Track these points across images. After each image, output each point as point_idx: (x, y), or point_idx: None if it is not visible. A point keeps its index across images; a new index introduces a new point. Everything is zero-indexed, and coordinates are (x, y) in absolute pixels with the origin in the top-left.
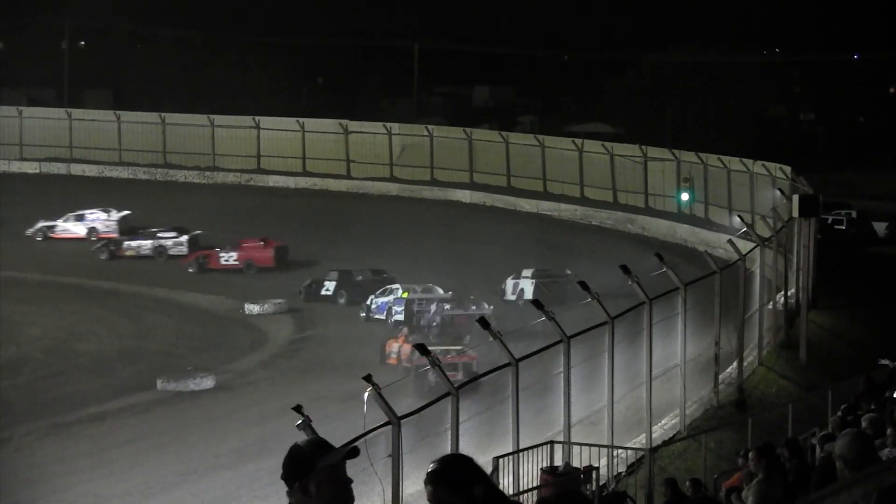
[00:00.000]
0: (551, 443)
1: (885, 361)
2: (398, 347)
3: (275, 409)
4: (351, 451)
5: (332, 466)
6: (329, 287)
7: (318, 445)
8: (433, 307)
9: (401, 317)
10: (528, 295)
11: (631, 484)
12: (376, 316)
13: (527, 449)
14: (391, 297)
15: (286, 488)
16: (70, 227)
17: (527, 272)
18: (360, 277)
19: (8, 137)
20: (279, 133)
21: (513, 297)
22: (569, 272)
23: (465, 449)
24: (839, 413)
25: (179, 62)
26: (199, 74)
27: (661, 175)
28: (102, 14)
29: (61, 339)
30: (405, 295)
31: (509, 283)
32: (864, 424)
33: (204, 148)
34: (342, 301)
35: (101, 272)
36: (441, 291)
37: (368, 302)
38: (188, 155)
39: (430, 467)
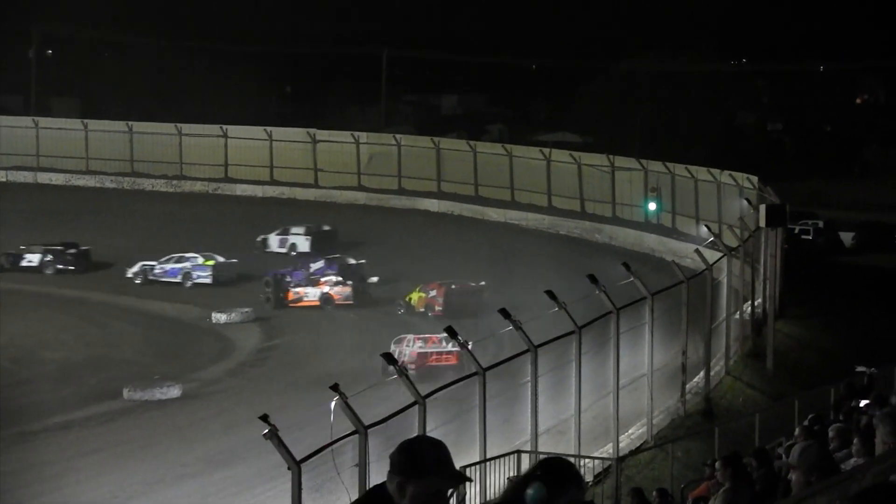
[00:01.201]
0: (518, 452)
1: (861, 368)
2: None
3: (242, 417)
4: (462, 478)
5: (440, 484)
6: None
7: (439, 460)
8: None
9: (206, 280)
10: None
11: (598, 493)
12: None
13: (494, 458)
14: (187, 264)
15: (389, 472)
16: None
17: (297, 229)
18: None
19: None
20: (247, 142)
21: (282, 250)
22: (483, 283)
23: None
24: (805, 422)
25: (147, 70)
26: (167, 83)
27: (629, 185)
28: (70, 22)
29: (28, 347)
30: (208, 263)
31: (273, 238)
32: (830, 434)
33: (171, 157)
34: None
35: (66, 281)
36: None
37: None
38: (155, 164)
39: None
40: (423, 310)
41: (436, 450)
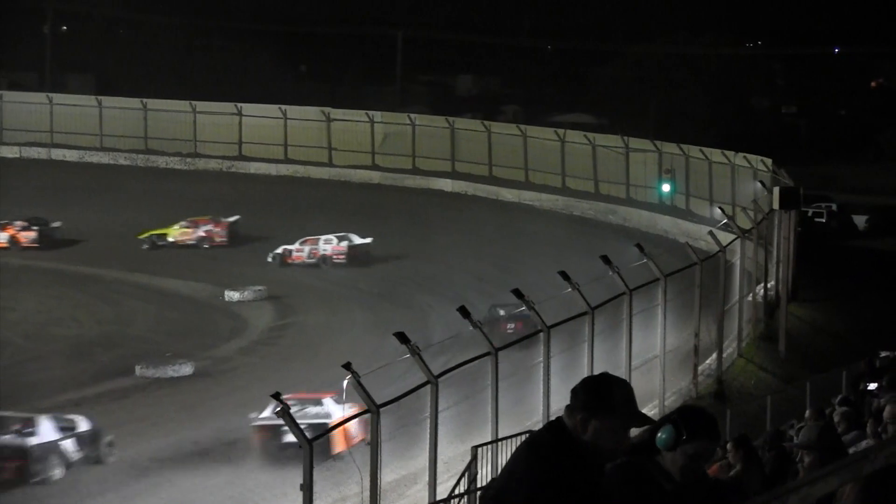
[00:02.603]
0: (530, 433)
1: (885, 353)
2: None
3: (254, 396)
4: (645, 419)
5: (623, 423)
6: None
7: (626, 399)
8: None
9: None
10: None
11: None
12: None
13: (506, 438)
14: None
15: (570, 409)
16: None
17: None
18: None
19: None
20: (261, 120)
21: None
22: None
23: (444, 438)
24: (814, 407)
25: (162, 48)
26: (182, 60)
27: (643, 166)
28: None
29: (40, 323)
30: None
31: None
32: (836, 419)
33: (186, 134)
34: None
35: (80, 257)
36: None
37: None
38: (170, 141)
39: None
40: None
41: (622, 389)
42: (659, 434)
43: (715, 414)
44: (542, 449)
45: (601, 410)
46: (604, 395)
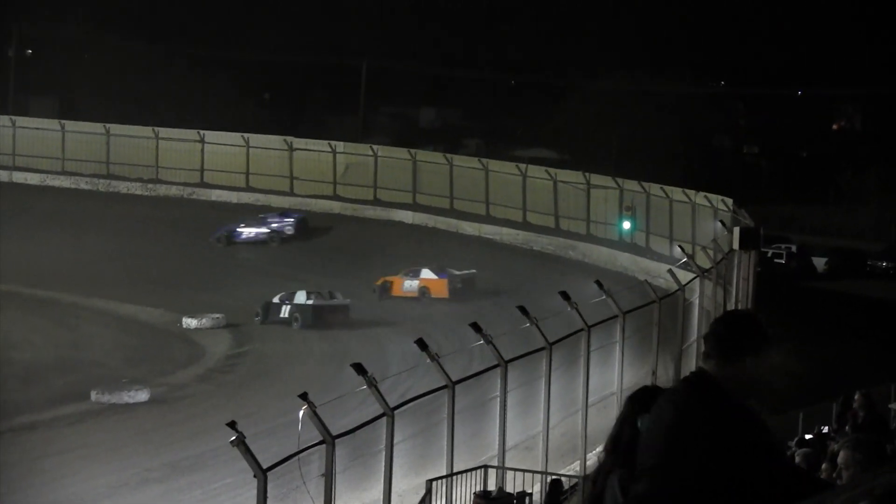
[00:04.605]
0: (485, 467)
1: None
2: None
3: (209, 424)
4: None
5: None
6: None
7: (767, 333)
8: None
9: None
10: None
11: None
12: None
13: (461, 472)
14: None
15: (718, 355)
16: None
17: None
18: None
19: None
20: (223, 147)
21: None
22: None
23: (398, 470)
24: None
25: (126, 73)
26: (146, 86)
27: (604, 203)
28: (50, 22)
29: None
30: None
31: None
32: (797, 459)
33: (147, 160)
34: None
35: (37, 280)
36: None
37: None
38: (131, 166)
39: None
40: None
41: (761, 321)
42: (639, 423)
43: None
44: (705, 398)
45: (758, 347)
46: (755, 331)
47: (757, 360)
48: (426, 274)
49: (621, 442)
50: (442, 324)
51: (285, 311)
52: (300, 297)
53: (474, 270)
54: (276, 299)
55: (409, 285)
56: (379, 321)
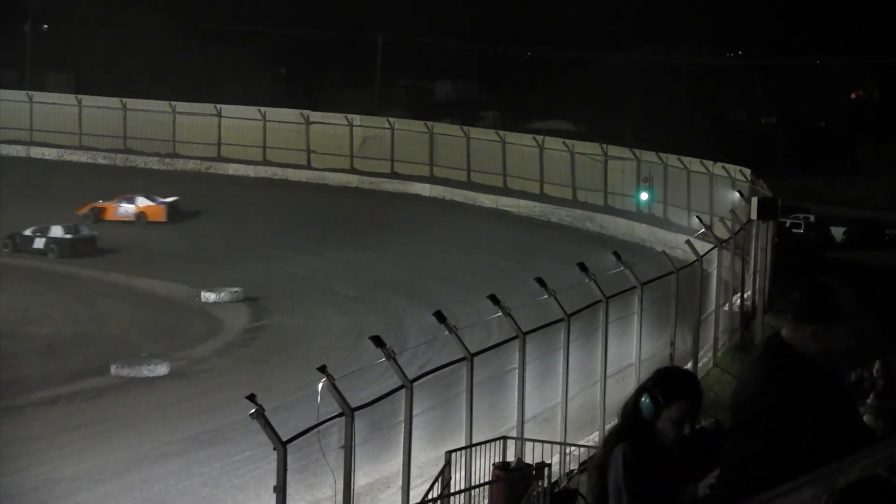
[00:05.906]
0: (504, 438)
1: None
2: None
3: (228, 397)
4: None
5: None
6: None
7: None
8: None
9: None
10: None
11: (583, 482)
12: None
13: (479, 444)
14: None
15: (796, 321)
16: None
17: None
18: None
19: None
20: (240, 121)
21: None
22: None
23: (417, 442)
24: None
25: (143, 48)
26: (163, 60)
27: (621, 174)
28: None
29: (15, 321)
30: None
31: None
32: None
33: (164, 134)
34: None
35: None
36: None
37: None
38: (149, 141)
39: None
40: None
41: (838, 293)
42: (642, 399)
43: (688, 371)
44: (786, 358)
45: (832, 314)
46: (831, 301)
47: (833, 331)
48: (142, 201)
49: (627, 416)
50: (456, 295)
51: (40, 244)
52: (56, 231)
53: (178, 197)
54: (27, 232)
55: (125, 210)
56: (398, 292)
